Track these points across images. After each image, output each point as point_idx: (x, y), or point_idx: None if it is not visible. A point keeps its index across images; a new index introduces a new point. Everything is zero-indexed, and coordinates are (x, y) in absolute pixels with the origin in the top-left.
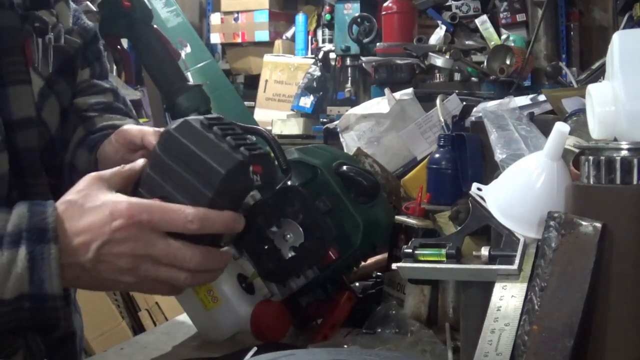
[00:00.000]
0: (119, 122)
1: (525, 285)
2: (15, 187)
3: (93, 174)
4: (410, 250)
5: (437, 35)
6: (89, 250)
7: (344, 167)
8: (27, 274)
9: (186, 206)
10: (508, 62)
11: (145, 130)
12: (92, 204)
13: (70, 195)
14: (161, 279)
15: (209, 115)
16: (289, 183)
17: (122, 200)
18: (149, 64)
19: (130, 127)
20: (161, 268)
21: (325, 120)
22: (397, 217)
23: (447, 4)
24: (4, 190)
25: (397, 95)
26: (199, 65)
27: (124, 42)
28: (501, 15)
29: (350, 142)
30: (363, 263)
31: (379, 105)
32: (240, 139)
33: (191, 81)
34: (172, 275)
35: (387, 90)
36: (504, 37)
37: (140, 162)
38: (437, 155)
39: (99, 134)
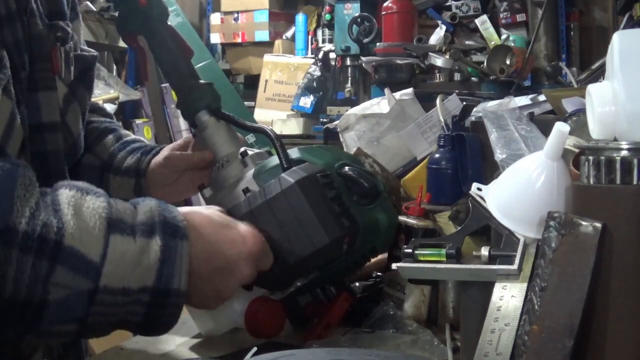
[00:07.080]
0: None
1: (525, 285)
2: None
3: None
4: (410, 250)
5: (437, 35)
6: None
7: (346, 168)
8: (157, 266)
9: None
10: (508, 62)
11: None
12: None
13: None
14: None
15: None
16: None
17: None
18: (162, 61)
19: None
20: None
21: (325, 120)
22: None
23: (447, 4)
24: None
25: (397, 95)
26: (199, 65)
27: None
28: (501, 15)
29: (350, 142)
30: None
31: (379, 105)
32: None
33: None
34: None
35: (387, 90)
36: (504, 37)
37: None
38: (437, 155)
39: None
